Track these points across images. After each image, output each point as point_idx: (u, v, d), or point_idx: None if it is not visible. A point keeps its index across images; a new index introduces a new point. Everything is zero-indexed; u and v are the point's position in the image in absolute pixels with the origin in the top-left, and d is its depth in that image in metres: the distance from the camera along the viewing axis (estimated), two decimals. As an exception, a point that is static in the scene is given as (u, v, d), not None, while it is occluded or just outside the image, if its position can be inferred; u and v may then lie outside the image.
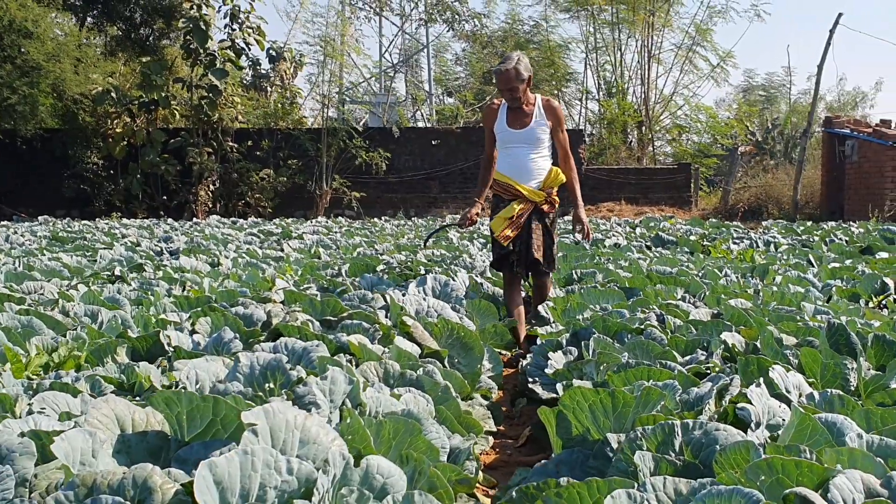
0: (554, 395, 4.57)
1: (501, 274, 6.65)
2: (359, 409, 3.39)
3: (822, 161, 24.11)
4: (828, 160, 23.56)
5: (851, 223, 17.02)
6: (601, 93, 33.48)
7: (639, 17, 32.14)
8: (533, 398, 4.98)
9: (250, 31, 25.86)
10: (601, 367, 3.98)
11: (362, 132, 25.72)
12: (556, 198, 6.39)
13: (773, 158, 40.76)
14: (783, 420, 2.97)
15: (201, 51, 24.31)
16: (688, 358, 4.23)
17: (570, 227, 6.68)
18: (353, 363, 4.15)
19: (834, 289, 7.36)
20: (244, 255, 10.19)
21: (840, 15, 23.31)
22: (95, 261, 9.62)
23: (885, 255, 10.27)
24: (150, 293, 6.61)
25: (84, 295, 6.12)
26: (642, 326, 4.81)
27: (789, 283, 7.06)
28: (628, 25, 33.03)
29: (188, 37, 24.42)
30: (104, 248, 10.85)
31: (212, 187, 25.04)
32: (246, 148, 25.43)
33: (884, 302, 6.97)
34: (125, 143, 25.14)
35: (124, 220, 20.95)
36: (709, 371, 3.91)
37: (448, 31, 31.99)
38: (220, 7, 25.41)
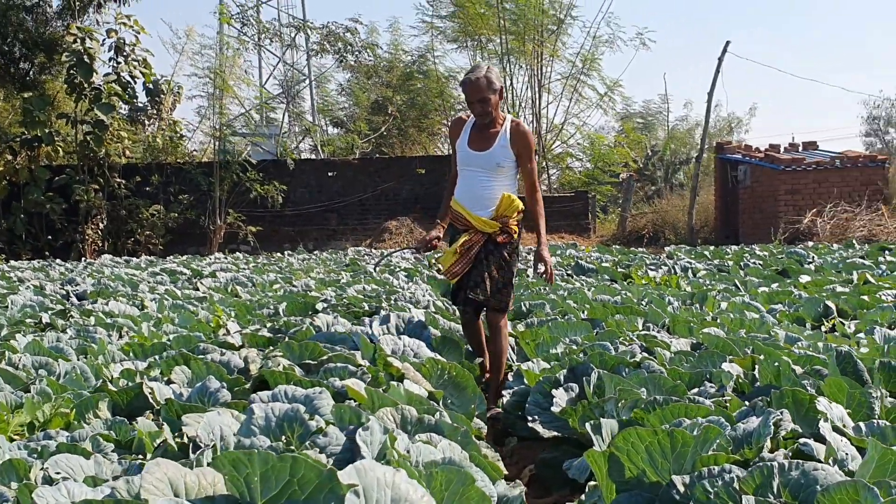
0: (556, 434, 4.54)
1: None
2: (397, 458, 3.27)
3: (716, 186, 24.91)
4: (720, 185, 24.35)
5: (754, 246, 17.56)
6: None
7: (527, 49, 32.68)
8: (522, 436, 4.95)
9: (136, 63, 25.25)
10: (619, 404, 3.96)
11: (256, 165, 25.35)
12: (515, 227, 5.65)
13: (654, 184, 42.01)
14: (847, 454, 2.98)
15: (86, 85, 23.60)
16: (697, 390, 4.24)
17: (532, 265, 6.36)
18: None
19: (777, 313, 7.56)
20: (166, 296, 9.84)
21: (728, 43, 24.27)
22: (6, 306, 9.15)
23: (806, 277, 10.60)
24: (91, 341, 6.30)
25: (28, 345, 5.79)
26: (638, 360, 4.81)
27: (744, 310, 7.20)
28: (517, 56, 33.54)
29: (72, 71, 23.69)
30: (10, 294, 10.32)
31: (100, 225, 24.24)
32: (134, 184, 24.78)
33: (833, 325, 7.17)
34: (6, 181, 24.17)
35: (12, 263, 20.04)
36: (727, 404, 3.91)
37: (340, 62, 31.84)
38: (104, 40, 24.74)
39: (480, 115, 5.49)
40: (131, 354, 5.69)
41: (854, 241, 18.20)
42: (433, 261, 12.27)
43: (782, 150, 24.22)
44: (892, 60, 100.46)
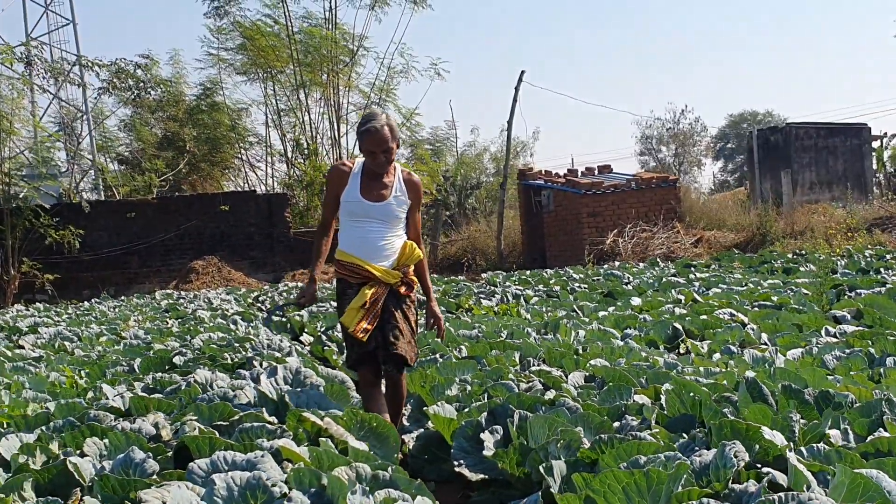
0: (484, 477, 4.67)
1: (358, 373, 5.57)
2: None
3: (521, 212, 25.80)
4: (525, 211, 25.26)
5: (567, 268, 18.33)
6: (293, 154, 33.72)
7: (315, 79, 32.87)
8: (429, 479, 5.04)
9: None
10: (558, 444, 4.14)
11: (50, 209, 24.16)
12: (414, 277, 5.43)
13: (448, 209, 42.80)
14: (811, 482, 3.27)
15: None
16: (619, 424, 4.49)
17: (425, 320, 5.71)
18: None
19: (631, 338, 8.00)
20: (-3, 358, 9.30)
21: (523, 72, 25.27)
22: None
23: (637, 300, 11.22)
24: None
25: None
26: (552, 397, 5.02)
27: (602, 338, 7.58)
28: (312, 87, 33.63)
29: None
30: None
31: None
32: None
33: (686, 346, 7.65)
34: None
35: None
36: (656, 436, 4.16)
37: (134, 98, 30.86)
38: None
39: (382, 166, 5.16)
40: (12, 427, 5.39)
41: (657, 259, 19.35)
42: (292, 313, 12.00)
43: (580, 174, 25.42)
44: (659, 86, 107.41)
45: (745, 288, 11.82)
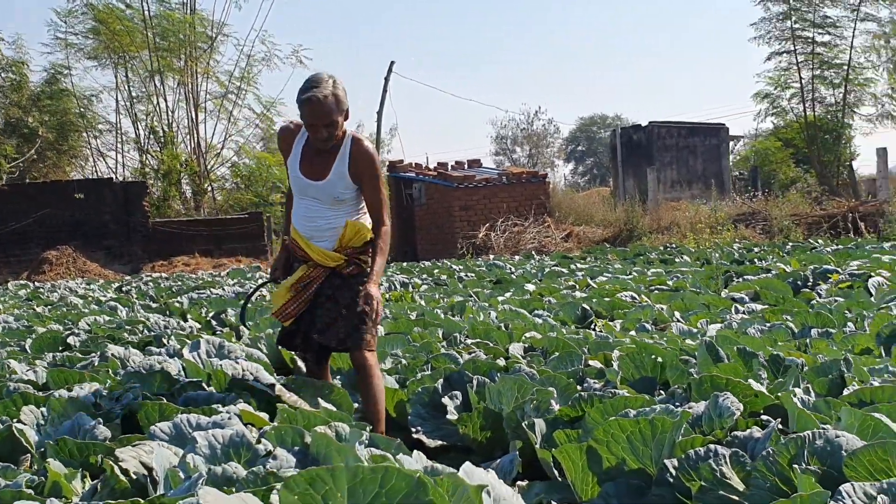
0: (442, 443, 4.63)
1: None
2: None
3: (391, 205, 25.76)
4: (396, 203, 25.26)
5: (445, 260, 18.44)
6: (149, 143, 32.75)
7: (172, 65, 32.07)
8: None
9: None
10: (532, 405, 4.15)
11: None
12: (366, 257, 4.77)
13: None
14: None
15: None
16: (582, 388, 4.54)
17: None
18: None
19: (542, 318, 8.10)
20: None
21: (392, 63, 25.30)
22: None
23: (531, 286, 11.37)
24: None
25: None
26: (505, 365, 5.04)
27: (516, 317, 7.66)
28: (168, 73, 32.78)
29: None
30: None
31: None
32: None
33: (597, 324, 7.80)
34: None
35: None
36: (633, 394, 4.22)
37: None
38: None
39: (323, 142, 4.51)
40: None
41: (532, 252, 19.69)
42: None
43: (450, 168, 25.61)
44: (516, 85, 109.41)
45: (631, 276, 12.13)
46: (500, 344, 6.18)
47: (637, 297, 9.15)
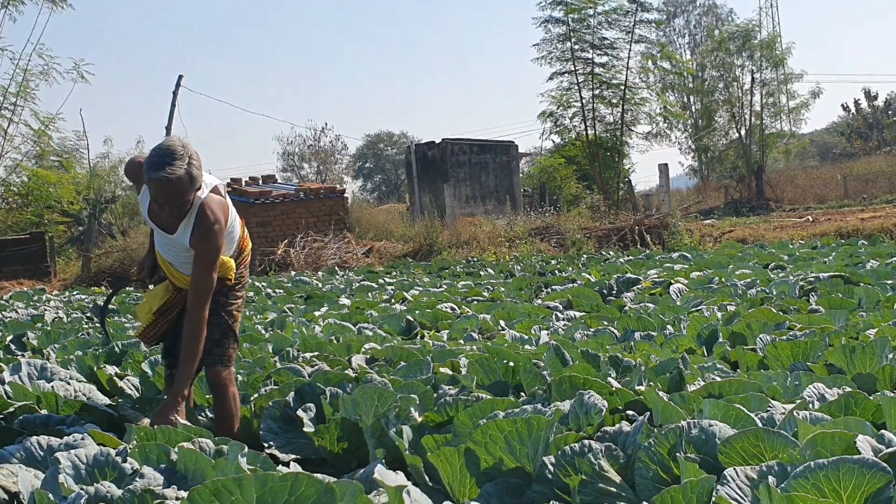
0: (296, 457, 4.56)
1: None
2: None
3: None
4: (189, 221, 24.56)
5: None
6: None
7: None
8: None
9: None
10: (394, 414, 4.18)
11: None
12: (231, 276, 4.55)
13: (80, 225, 40.38)
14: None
15: None
16: (438, 395, 4.61)
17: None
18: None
19: (368, 331, 8.13)
20: None
21: (181, 77, 24.70)
22: None
23: (346, 300, 11.38)
24: None
25: None
26: (356, 375, 5.04)
27: (347, 331, 7.67)
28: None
29: None
30: None
31: None
32: None
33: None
34: None
35: None
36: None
37: None
38: None
39: (171, 219, 4.24)
40: None
41: (335, 268, 19.66)
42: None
43: (244, 184, 25.20)
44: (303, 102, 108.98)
45: (442, 289, 12.34)
46: (339, 356, 6.16)
47: (457, 308, 9.32)
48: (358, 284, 14.30)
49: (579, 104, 29.99)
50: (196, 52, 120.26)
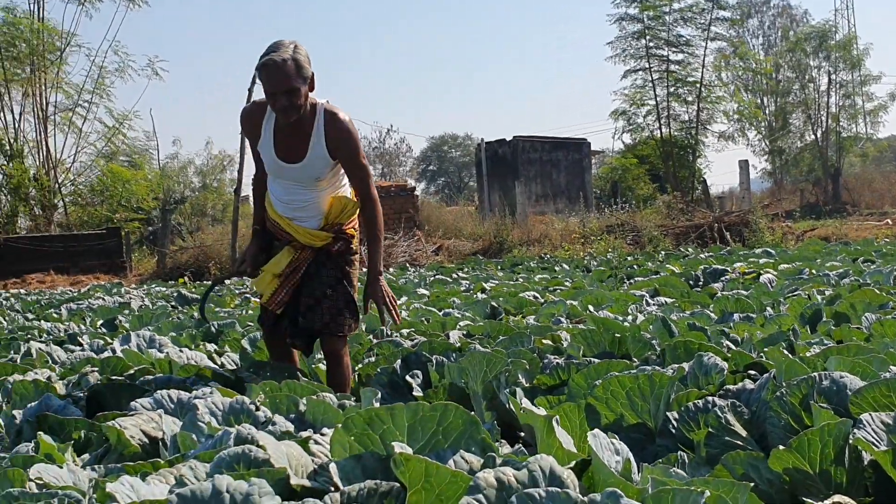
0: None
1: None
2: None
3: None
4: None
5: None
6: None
7: (16, 76, 30.93)
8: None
9: None
10: (505, 377, 4.27)
11: None
12: (354, 231, 4.72)
13: (150, 225, 41.37)
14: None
15: None
16: (545, 362, 4.69)
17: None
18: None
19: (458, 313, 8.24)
20: None
21: (256, 72, 24.98)
22: None
23: (424, 291, 11.52)
24: None
25: None
26: (458, 345, 5.15)
27: (435, 315, 7.79)
28: (13, 84, 31.57)
29: None
30: None
31: None
32: None
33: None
34: None
35: None
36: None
37: None
38: None
39: (285, 112, 4.20)
40: None
41: (406, 265, 19.84)
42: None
43: (316, 181, 25.54)
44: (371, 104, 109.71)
45: (518, 281, 12.42)
46: (434, 332, 6.28)
47: (539, 296, 9.39)
48: (433, 279, 14.43)
49: (653, 102, 29.89)
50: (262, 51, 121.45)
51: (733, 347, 4.08)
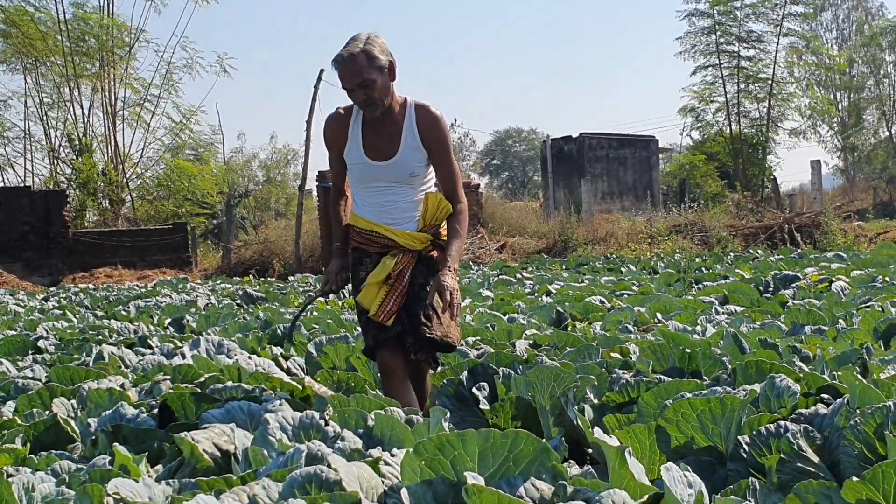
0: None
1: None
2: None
3: (320, 215, 25.68)
4: (325, 214, 25.20)
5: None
6: (60, 150, 32.11)
7: (87, 71, 31.55)
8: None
9: None
10: (573, 393, 4.28)
11: None
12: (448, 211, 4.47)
13: (214, 218, 41.94)
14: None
15: None
16: (614, 377, 4.69)
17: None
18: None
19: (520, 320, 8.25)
20: None
21: (322, 71, 25.19)
22: None
23: (487, 293, 11.54)
24: None
25: None
26: (525, 357, 5.17)
27: (499, 321, 7.81)
28: (84, 79, 32.23)
29: None
30: None
31: None
32: None
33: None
34: None
35: None
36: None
37: None
38: None
39: (366, 106, 4.17)
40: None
41: (469, 263, 19.89)
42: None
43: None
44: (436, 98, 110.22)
45: (584, 283, 12.39)
46: (500, 339, 6.31)
47: (606, 301, 9.35)
48: (496, 279, 14.45)
49: (723, 99, 29.55)
50: (332, 46, 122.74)
51: (805, 369, 4.04)
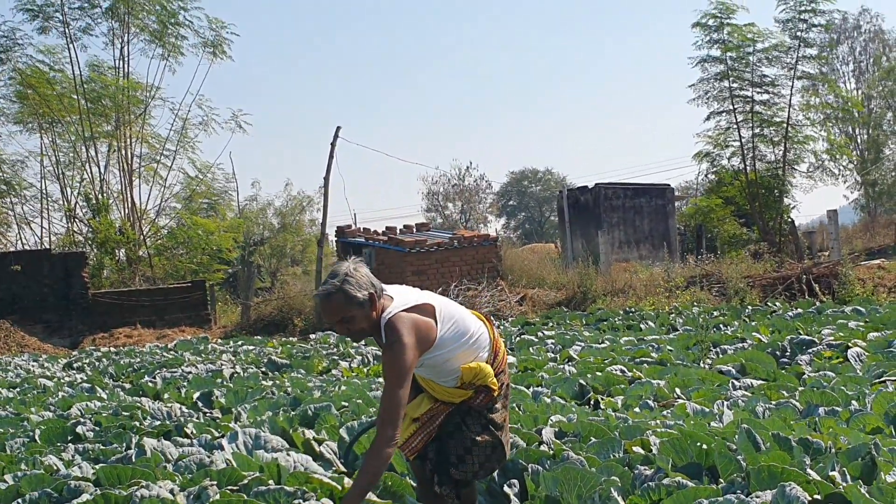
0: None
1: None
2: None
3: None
4: (343, 269, 25.60)
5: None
6: (76, 209, 32.74)
7: (103, 131, 32.21)
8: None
9: None
10: (604, 495, 4.63)
11: None
12: (494, 384, 4.58)
13: (230, 267, 42.41)
14: None
15: None
16: (635, 474, 5.04)
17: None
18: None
19: (542, 395, 8.59)
20: None
21: (339, 128, 25.77)
22: None
23: (511, 359, 11.88)
24: None
25: None
26: (552, 452, 5.52)
27: (523, 396, 8.16)
28: (100, 139, 32.91)
29: None
30: None
31: None
32: None
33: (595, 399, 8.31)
34: None
35: None
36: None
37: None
38: None
39: (350, 338, 4.42)
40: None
41: (490, 317, 20.18)
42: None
43: (399, 231, 26.13)
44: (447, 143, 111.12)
45: (605, 344, 12.73)
46: (526, 427, 6.65)
47: (626, 370, 9.69)
48: (518, 338, 14.80)
49: (738, 143, 29.89)
50: (346, 99, 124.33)
51: (813, 476, 4.37)
